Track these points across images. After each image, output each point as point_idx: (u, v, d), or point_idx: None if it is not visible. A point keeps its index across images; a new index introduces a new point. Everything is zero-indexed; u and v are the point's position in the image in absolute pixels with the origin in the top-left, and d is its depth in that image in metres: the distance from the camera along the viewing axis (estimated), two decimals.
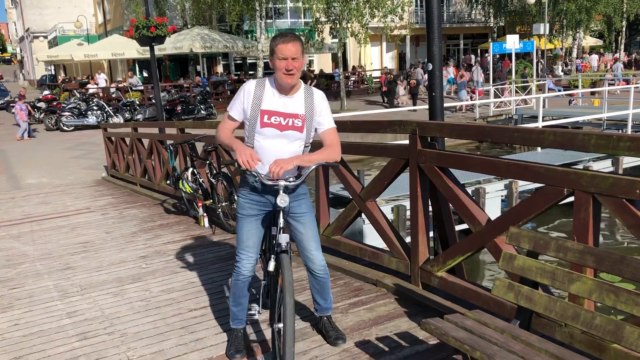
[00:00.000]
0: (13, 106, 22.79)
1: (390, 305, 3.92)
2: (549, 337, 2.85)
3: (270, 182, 2.96)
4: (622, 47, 40.03)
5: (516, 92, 21.98)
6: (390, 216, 8.53)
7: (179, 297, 4.39)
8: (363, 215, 4.71)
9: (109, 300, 4.45)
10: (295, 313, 2.83)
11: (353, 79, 30.61)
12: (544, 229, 9.98)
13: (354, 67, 34.32)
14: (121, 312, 4.17)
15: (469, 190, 9.18)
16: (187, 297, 4.37)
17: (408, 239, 4.26)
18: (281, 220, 2.98)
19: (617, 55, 37.89)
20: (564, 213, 10.01)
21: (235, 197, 4.00)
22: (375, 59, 39.24)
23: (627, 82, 24.17)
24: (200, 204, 6.72)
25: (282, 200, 2.92)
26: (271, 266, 2.97)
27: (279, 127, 2.98)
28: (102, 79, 27.51)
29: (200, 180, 6.84)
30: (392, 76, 25.74)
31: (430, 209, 4.12)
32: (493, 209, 9.09)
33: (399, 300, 3.97)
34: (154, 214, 7.71)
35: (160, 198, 8.59)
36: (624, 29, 38.72)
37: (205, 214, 6.67)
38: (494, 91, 21.70)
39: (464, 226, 7.03)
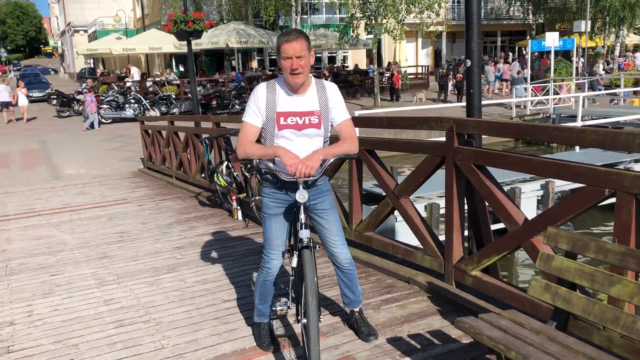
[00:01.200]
0: (77, 99, 23.47)
1: (423, 303, 3.90)
2: (586, 340, 2.79)
3: (288, 179, 2.96)
4: None
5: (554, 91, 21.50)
6: (424, 214, 8.48)
7: (212, 288, 4.46)
8: (395, 212, 4.69)
9: (144, 290, 4.54)
10: (318, 311, 2.84)
11: (387, 75, 30.43)
12: (579, 231, 9.77)
13: (389, 63, 34.10)
14: (156, 302, 4.26)
15: (505, 189, 9.04)
16: (220, 288, 4.44)
17: (441, 238, 4.23)
18: (302, 216, 2.96)
19: None
20: (602, 215, 9.78)
21: None
22: (410, 55, 38.94)
23: None
24: (234, 197, 6.80)
25: (302, 195, 2.91)
26: (294, 262, 2.98)
27: (297, 127, 2.97)
28: (136, 72, 27.99)
29: (235, 174, 6.92)
30: (444, 71, 25.80)
31: (466, 207, 4.08)
32: (529, 209, 8.94)
33: (431, 298, 3.95)
34: (189, 206, 7.83)
35: (195, 191, 8.71)
36: None
37: (238, 207, 6.75)
38: (531, 89, 21.29)
39: (498, 226, 6.94)
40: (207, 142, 8.04)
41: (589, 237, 2.56)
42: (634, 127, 16.13)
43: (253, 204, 6.41)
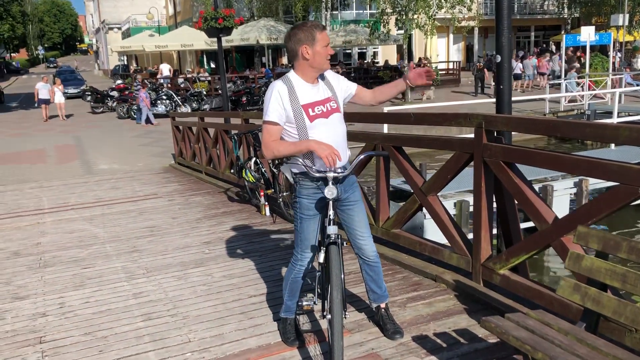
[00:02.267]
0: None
1: (450, 301, 3.86)
2: (616, 342, 2.72)
3: (318, 175, 2.97)
4: None
5: (589, 86, 21.00)
6: (452, 211, 8.38)
7: (239, 283, 4.49)
8: (423, 209, 4.65)
9: (172, 284, 4.60)
10: (343, 308, 2.86)
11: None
12: (614, 231, 9.52)
13: (419, 58, 33.80)
14: (184, 295, 4.31)
15: (536, 187, 8.88)
16: (247, 283, 4.47)
17: (470, 236, 4.17)
18: (331, 212, 2.99)
19: None
20: (637, 214, 9.52)
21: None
22: (441, 51, 38.51)
23: None
24: (262, 193, 6.83)
25: (330, 192, 2.93)
26: (321, 258, 2.98)
27: (325, 115, 3.03)
28: (166, 69, 28.33)
29: (263, 169, 6.95)
30: (481, 64, 25.99)
31: (495, 205, 4.01)
32: (561, 208, 8.76)
33: (458, 297, 3.90)
34: (217, 201, 7.91)
35: (224, 186, 8.79)
36: None
37: (266, 203, 6.78)
38: (566, 85, 20.84)
39: (528, 224, 6.82)
40: (236, 138, 8.10)
41: (621, 236, 2.49)
42: None
43: (280, 200, 6.44)
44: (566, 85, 20.93)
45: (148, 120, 19.83)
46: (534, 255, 3.59)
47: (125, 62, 46.90)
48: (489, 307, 3.64)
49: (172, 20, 40.39)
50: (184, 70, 33.39)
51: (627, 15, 26.78)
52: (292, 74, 3.06)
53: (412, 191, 4.72)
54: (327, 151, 2.87)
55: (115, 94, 24.45)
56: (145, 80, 23.50)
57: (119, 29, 50.88)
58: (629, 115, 15.13)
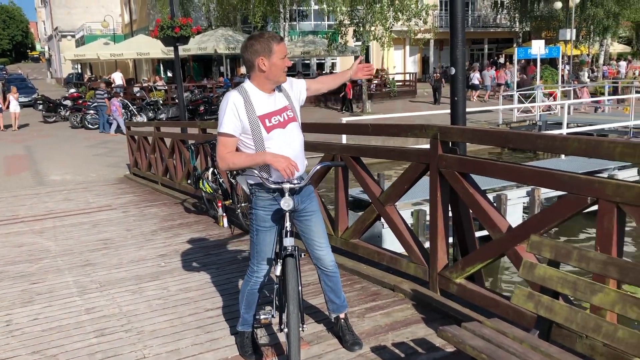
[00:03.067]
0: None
1: (408, 310, 3.88)
2: (568, 348, 2.79)
3: (275, 186, 2.95)
4: None
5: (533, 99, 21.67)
6: (410, 220, 8.47)
7: (196, 296, 4.41)
8: (382, 219, 4.68)
9: (127, 298, 4.48)
10: (300, 321, 2.85)
11: (375, 82, 30.53)
12: (564, 238, 9.81)
13: (377, 70, 34.21)
14: (139, 310, 4.20)
15: (490, 196, 9.08)
16: (204, 296, 4.39)
17: (427, 245, 4.22)
18: (288, 224, 2.96)
19: None
20: (587, 222, 9.83)
21: None
22: (398, 62, 39.11)
23: None
24: (219, 204, 6.75)
25: (287, 203, 2.91)
26: (278, 270, 2.96)
27: (282, 125, 3.00)
28: (118, 77, 27.73)
29: (221, 180, 6.88)
30: (438, 75, 27.23)
31: (451, 214, 4.07)
32: (514, 216, 8.97)
33: (416, 306, 3.93)
34: (174, 212, 7.77)
35: (181, 197, 8.66)
36: None
37: (224, 214, 6.71)
38: (518, 96, 21.45)
39: (483, 233, 6.95)
40: (193, 148, 8.00)
41: (572, 245, 2.56)
42: (619, 134, 16.29)
43: (239, 210, 6.37)
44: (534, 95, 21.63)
45: (119, 129, 19.38)
46: (489, 264, 3.66)
47: (79, 71, 45.79)
48: (447, 316, 3.68)
49: (127, 28, 39.73)
50: (140, 79, 32.84)
51: (574, 30, 27.82)
52: (248, 84, 3.02)
53: (370, 201, 4.75)
54: (284, 163, 2.85)
55: (68, 103, 23.80)
56: (117, 89, 22.94)
57: (73, 36, 49.70)
58: (578, 126, 15.66)
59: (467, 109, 4.76)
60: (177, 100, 18.15)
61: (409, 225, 8.14)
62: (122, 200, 9.04)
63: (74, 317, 4.13)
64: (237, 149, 3.01)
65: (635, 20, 34.03)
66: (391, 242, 6.25)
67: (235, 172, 6.57)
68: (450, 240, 4.24)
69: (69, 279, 5.07)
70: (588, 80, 29.33)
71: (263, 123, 2.95)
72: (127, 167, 12.62)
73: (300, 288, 2.94)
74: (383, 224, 7.81)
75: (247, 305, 3.26)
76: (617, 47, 40.08)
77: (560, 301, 2.53)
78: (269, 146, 2.96)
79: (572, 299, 2.77)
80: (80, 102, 23.35)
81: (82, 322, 4.03)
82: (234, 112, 2.93)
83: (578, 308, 2.47)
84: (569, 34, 26.87)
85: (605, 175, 10.14)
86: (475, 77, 27.77)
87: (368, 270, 4.60)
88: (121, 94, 21.91)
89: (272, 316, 3.08)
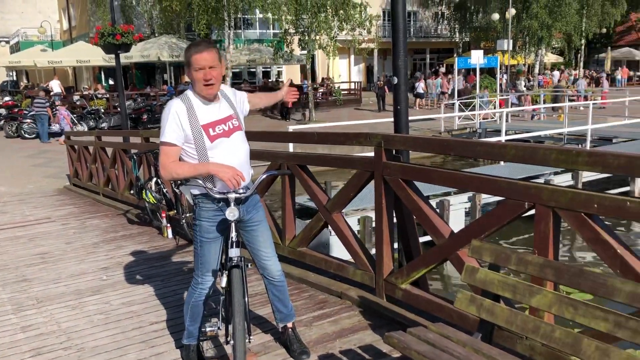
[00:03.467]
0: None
1: (355, 317, 3.91)
2: (510, 349, 2.87)
3: (219, 196, 2.91)
4: (582, 64, 41.26)
5: (480, 106, 22.39)
6: (357, 227, 8.55)
7: (139, 310, 4.29)
8: (330, 226, 4.70)
9: (66, 314, 4.31)
10: (247, 332, 2.83)
11: (321, 90, 30.75)
12: (509, 241, 10.13)
13: (322, 79, 34.47)
14: (79, 326, 4.05)
15: (434, 202, 9.28)
16: (147, 310, 4.28)
17: (374, 251, 4.26)
18: (233, 234, 2.93)
19: (576, 72, 39.06)
20: (527, 226, 10.19)
21: None
22: (343, 72, 39.51)
23: (586, 98, 24.92)
24: (163, 215, 6.62)
25: (232, 213, 2.88)
26: (223, 282, 2.92)
27: (226, 134, 2.96)
28: (55, 85, 26.76)
29: (164, 190, 6.74)
30: (382, 83, 27.93)
31: (395, 221, 4.13)
32: (457, 222, 9.19)
33: (363, 313, 3.96)
34: (116, 224, 7.55)
35: (124, 208, 8.42)
36: (582, 47, 39.94)
37: (168, 225, 6.58)
38: (459, 105, 22.08)
39: (428, 238, 7.08)
40: (135, 157, 7.81)
41: (511, 249, 2.65)
42: (554, 141, 16.99)
43: (184, 221, 6.26)
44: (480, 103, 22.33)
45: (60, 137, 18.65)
46: (433, 269, 3.73)
47: (15, 78, 43.98)
48: (393, 322, 3.72)
49: (66, 35, 38.50)
50: (80, 87, 31.84)
51: (511, 41, 28.90)
52: (190, 93, 2.97)
53: (317, 209, 4.76)
54: (229, 173, 2.82)
55: (2, 111, 22.78)
56: (55, 98, 22.07)
57: (7, 42, 47.60)
58: (515, 134, 16.22)
59: (412, 117, 4.87)
60: (119, 109, 17.72)
61: (356, 232, 8.19)
62: (62, 212, 8.71)
63: (9, 336, 3.94)
64: (180, 159, 2.96)
65: (566, 32, 35.62)
66: (339, 250, 6.27)
67: (179, 182, 6.46)
68: (396, 246, 4.30)
69: (3, 295, 4.83)
70: (525, 89, 30.50)
71: (207, 132, 2.91)
72: (67, 178, 12.19)
73: (246, 299, 2.91)
74: (331, 232, 7.85)
75: (192, 317, 3.20)
76: (551, 57, 41.88)
77: (501, 304, 2.61)
78: (212, 155, 2.91)
79: (512, 301, 2.86)
80: (16, 110, 22.39)
81: (18, 341, 3.85)
82: (176, 121, 2.88)
83: (518, 310, 2.55)
84: (506, 44, 27.88)
85: (542, 180, 10.55)
86: (420, 86, 28.50)
87: (315, 279, 4.61)
88: (59, 103, 21.17)
89: (218, 328, 3.04)
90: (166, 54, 24.66)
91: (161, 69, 30.83)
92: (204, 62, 2.83)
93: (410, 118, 4.78)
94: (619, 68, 41.56)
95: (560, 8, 32.62)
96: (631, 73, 43.89)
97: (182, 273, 5.16)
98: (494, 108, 22.69)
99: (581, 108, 22.80)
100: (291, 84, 3.76)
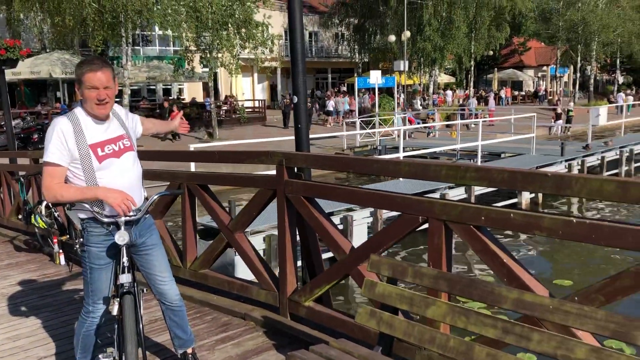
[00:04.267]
0: None
1: (259, 338, 3.86)
2: None
3: (108, 220, 2.79)
4: (472, 84, 43.97)
5: (380, 124, 23.19)
6: (263, 246, 8.50)
7: (26, 344, 3.98)
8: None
9: None
10: None
11: (225, 108, 30.51)
12: (412, 255, 10.47)
13: (226, 96, 34.21)
14: None
15: (338, 217, 9.44)
16: (36, 343, 3.98)
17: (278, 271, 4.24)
18: (124, 259, 2.80)
19: (467, 92, 41.60)
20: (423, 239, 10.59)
21: None
22: (247, 89, 39.45)
23: (477, 116, 26.55)
24: (55, 240, 6.23)
25: (122, 237, 2.75)
26: (115, 309, 2.77)
27: (116, 155, 2.85)
28: None
29: (56, 214, 6.35)
30: (288, 100, 28.24)
31: (299, 238, 4.15)
32: (361, 236, 9.41)
33: (267, 333, 3.92)
34: (1, 252, 6.99)
35: (10, 235, 7.82)
36: (472, 68, 42.60)
37: (61, 251, 6.20)
38: (360, 123, 22.72)
39: (331, 254, 7.17)
40: (23, 180, 7.31)
41: (407, 262, 2.74)
42: (448, 157, 17.91)
43: (77, 246, 5.91)
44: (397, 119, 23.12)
45: None
46: (335, 285, 3.77)
47: None
48: (297, 341, 3.71)
49: None
50: None
51: (407, 62, 30.28)
52: (79, 110, 2.83)
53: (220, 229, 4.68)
54: (118, 199, 2.70)
55: None
56: None
57: None
58: (413, 150, 16.93)
59: (316, 135, 4.92)
60: (4, 128, 16.56)
61: (262, 250, 8.14)
62: None
63: None
64: (67, 180, 2.80)
65: (457, 54, 37.86)
66: (245, 270, 6.20)
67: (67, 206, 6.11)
68: (300, 263, 4.31)
69: None
70: (421, 107, 32.00)
71: (95, 152, 2.77)
72: None
73: (141, 326, 2.78)
74: (235, 252, 7.75)
75: (83, 348, 3.02)
76: (444, 78, 44.28)
77: (399, 316, 2.69)
78: (100, 177, 2.78)
79: (410, 313, 2.95)
80: None
81: None
82: (62, 140, 2.73)
83: (415, 322, 2.63)
84: (403, 65, 29.18)
85: (438, 194, 11.05)
86: (330, 104, 29.22)
87: (218, 301, 4.51)
88: None
89: (114, 358, 2.88)
90: (59, 71, 23.44)
91: (53, 86, 29.24)
92: (98, 82, 2.71)
93: (312, 136, 4.86)
94: (504, 88, 44.82)
95: (451, 31, 34.68)
96: (515, 92, 47.50)
97: (76, 302, 4.86)
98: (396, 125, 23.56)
99: (472, 125, 24.23)
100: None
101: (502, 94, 43.42)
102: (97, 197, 2.74)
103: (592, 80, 48.73)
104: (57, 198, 2.77)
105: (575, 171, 15.04)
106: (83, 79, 2.71)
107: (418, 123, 24.70)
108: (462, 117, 26.95)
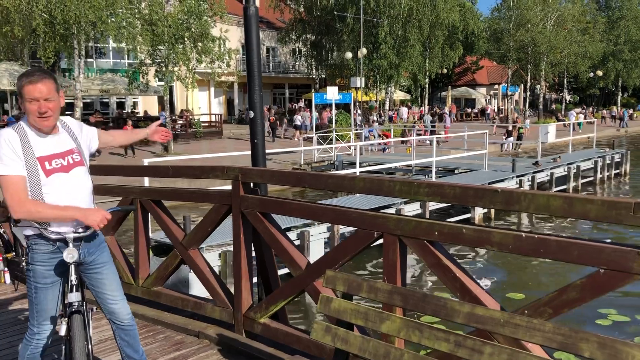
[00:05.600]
0: None
1: (213, 357, 3.79)
2: None
3: (56, 237, 2.70)
4: (427, 101, 44.92)
5: (337, 139, 23.36)
6: (218, 262, 8.38)
7: None
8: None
9: None
10: None
11: (180, 122, 30.16)
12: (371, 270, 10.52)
13: (182, 110, 33.83)
14: None
15: (295, 233, 9.42)
16: None
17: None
18: (73, 277, 2.71)
19: (422, 109, 42.44)
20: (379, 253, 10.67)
21: None
22: (203, 104, 39.13)
23: (433, 132, 27.07)
24: (0, 258, 5.98)
25: (70, 255, 2.66)
26: (62, 330, 2.66)
27: (65, 169, 2.75)
28: None
29: (1, 230, 6.11)
30: (276, 116, 29.72)
31: (255, 254, 4.11)
32: (318, 252, 9.40)
33: (222, 351, 3.86)
34: None
35: None
36: (427, 85, 43.55)
37: (6, 269, 5.95)
38: (317, 138, 22.83)
39: (287, 270, 7.14)
40: None
41: (362, 277, 2.75)
42: (404, 172, 18.16)
43: (24, 264, 5.70)
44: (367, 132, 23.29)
45: None
46: (291, 301, 3.75)
47: None
48: (252, 359, 3.67)
49: None
50: None
51: (363, 79, 30.68)
52: (24, 123, 2.74)
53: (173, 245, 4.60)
54: (98, 219, 2.63)
55: None
56: None
57: None
58: (369, 166, 17.10)
59: (273, 150, 4.89)
60: None
61: (217, 267, 8.02)
62: None
63: None
64: None
65: (412, 71, 38.62)
66: (199, 286, 6.10)
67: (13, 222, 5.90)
68: (256, 280, 4.27)
69: None
70: (377, 123, 32.42)
71: (42, 165, 2.68)
72: None
73: (90, 347, 2.70)
74: (190, 269, 7.61)
75: None
76: (399, 95, 45.09)
77: (355, 332, 2.69)
78: (47, 192, 2.68)
79: (365, 329, 2.95)
80: None
81: None
82: (12, 149, 2.62)
83: (370, 337, 2.64)
84: (359, 81, 29.55)
85: (394, 209, 11.17)
86: (298, 119, 29.29)
87: (172, 319, 4.42)
88: None
89: None
90: (7, 82, 22.72)
91: (1, 99, 28.30)
92: (38, 94, 2.61)
93: (269, 151, 4.86)
94: (452, 104, 45.94)
95: (406, 49, 35.40)
96: (469, 110, 48.69)
97: (21, 322, 4.66)
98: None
99: (427, 142, 24.68)
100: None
101: (446, 109, 44.38)
102: (74, 218, 2.66)
103: (541, 99, 50.55)
104: (33, 214, 2.63)
105: (526, 187, 15.48)
106: (23, 92, 2.62)
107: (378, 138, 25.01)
108: (418, 134, 27.46)
